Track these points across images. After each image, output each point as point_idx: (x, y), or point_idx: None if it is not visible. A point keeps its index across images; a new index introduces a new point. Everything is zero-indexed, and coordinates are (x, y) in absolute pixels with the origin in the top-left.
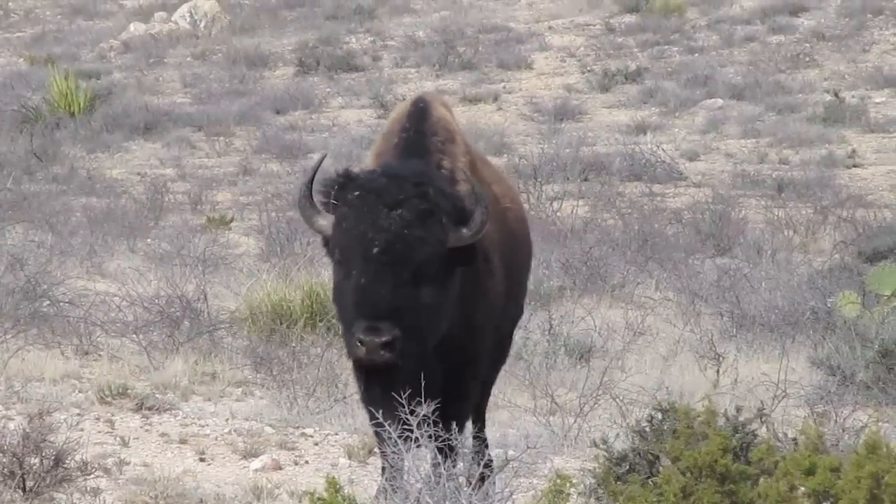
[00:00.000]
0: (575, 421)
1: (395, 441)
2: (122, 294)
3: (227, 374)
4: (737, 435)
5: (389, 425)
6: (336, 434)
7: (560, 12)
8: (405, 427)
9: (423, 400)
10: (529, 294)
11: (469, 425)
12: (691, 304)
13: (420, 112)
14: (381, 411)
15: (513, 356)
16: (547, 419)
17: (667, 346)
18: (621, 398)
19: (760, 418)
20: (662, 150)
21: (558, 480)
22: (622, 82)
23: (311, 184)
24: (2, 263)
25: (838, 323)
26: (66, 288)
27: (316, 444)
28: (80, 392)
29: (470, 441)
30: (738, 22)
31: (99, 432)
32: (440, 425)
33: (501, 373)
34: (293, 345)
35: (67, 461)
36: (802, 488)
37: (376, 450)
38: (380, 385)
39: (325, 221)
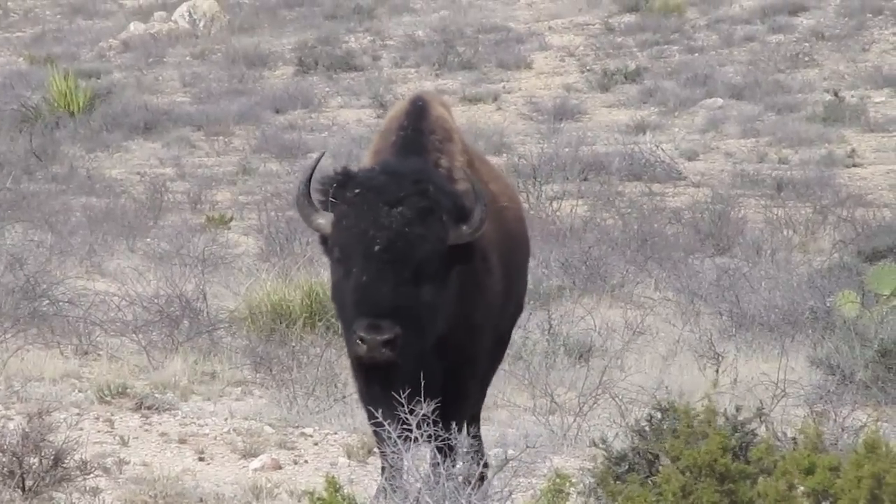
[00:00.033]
0: (574, 420)
1: (395, 441)
2: (122, 294)
3: (226, 374)
4: (736, 434)
5: (389, 425)
6: (335, 433)
7: (560, 12)
8: (405, 427)
9: (422, 399)
10: (529, 294)
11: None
12: (691, 303)
13: (418, 110)
14: (380, 411)
15: (513, 356)
16: (546, 419)
17: (666, 345)
18: (621, 398)
19: (760, 418)
20: (662, 149)
21: (558, 480)
22: (622, 82)
23: (310, 182)
24: (1, 263)
25: (838, 322)
26: (65, 287)
27: (315, 444)
28: (79, 392)
29: (466, 441)
30: (737, 21)
31: (98, 432)
32: (439, 425)
33: (501, 373)
34: (293, 344)
35: (67, 461)
36: (801, 488)
37: (376, 449)
38: (379, 384)
39: (324, 220)
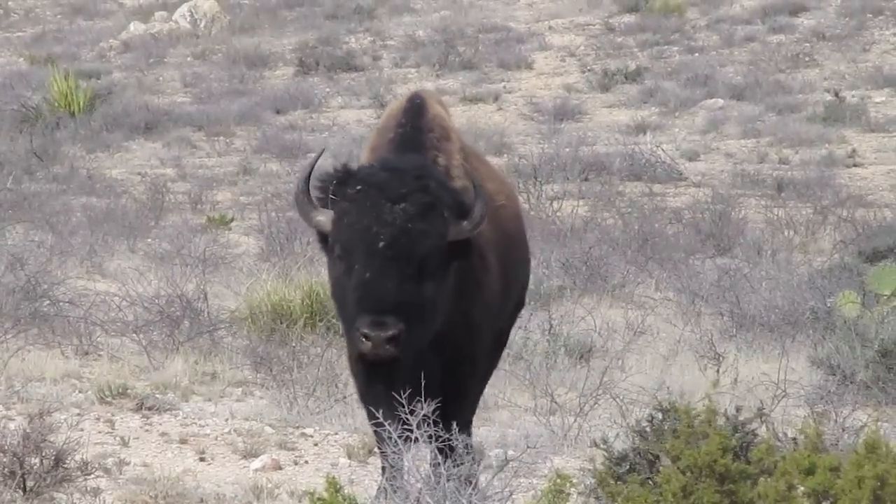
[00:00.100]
0: (575, 421)
1: (395, 441)
2: (122, 294)
3: (227, 374)
4: (737, 434)
5: (389, 425)
6: (336, 434)
7: (560, 12)
8: (405, 427)
9: (423, 400)
10: (530, 294)
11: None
12: (691, 303)
13: (416, 108)
14: (381, 411)
15: (513, 356)
16: (547, 419)
17: (667, 345)
18: (621, 398)
19: (760, 418)
20: (662, 149)
21: (558, 480)
22: (622, 82)
23: (309, 180)
24: (2, 263)
25: (838, 323)
26: (66, 288)
27: (316, 444)
28: (80, 392)
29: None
30: (738, 22)
31: (99, 432)
32: (440, 425)
33: (502, 373)
34: (293, 344)
35: (68, 461)
36: (802, 488)
37: (376, 450)
38: (381, 382)
39: (324, 217)
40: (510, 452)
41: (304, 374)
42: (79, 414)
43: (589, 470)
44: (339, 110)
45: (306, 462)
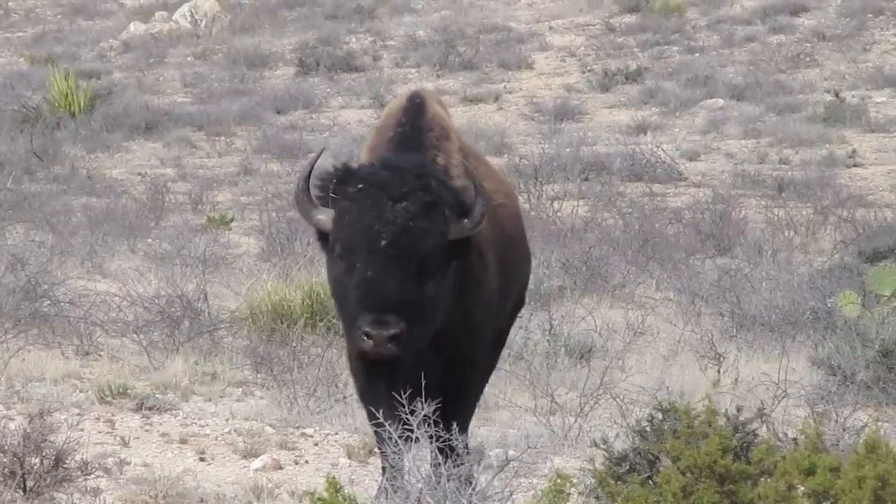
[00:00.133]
0: (575, 421)
1: (396, 441)
2: (123, 294)
3: (227, 374)
4: (737, 435)
5: (390, 425)
6: (336, 434)
7: (560, 12)
8: (405, 427)
9: (423, 400)
10: (530, 294)
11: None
12: (692, 304)
13: (416, 107)
14: (381, 411)
15: (513, 356)
16: (547, 419)
17: (667, 345)
18: (621, 398)
19: (761, 418)
20: (663, 150)
21: (558, 480)
22: (622, 82)
23: (309, 178)
24: (2, 263)
25: (839, 323)
26: (66, 288)
27: (316, 444)
28: (80, 392)
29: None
30: (738, 22)
31: (99, 432)
32: (440, 425)
33: (502, 373)
34: (293, 345)
35: (68, 461)
36: (802, 488)
37: (376, 450)
38: (381, 381)
39: (325, 216)
40: (510, 452)
41: (304, 374)
42: (79, 414)
43: (589, 470)
44: (340, 110)
45: (306, 462)
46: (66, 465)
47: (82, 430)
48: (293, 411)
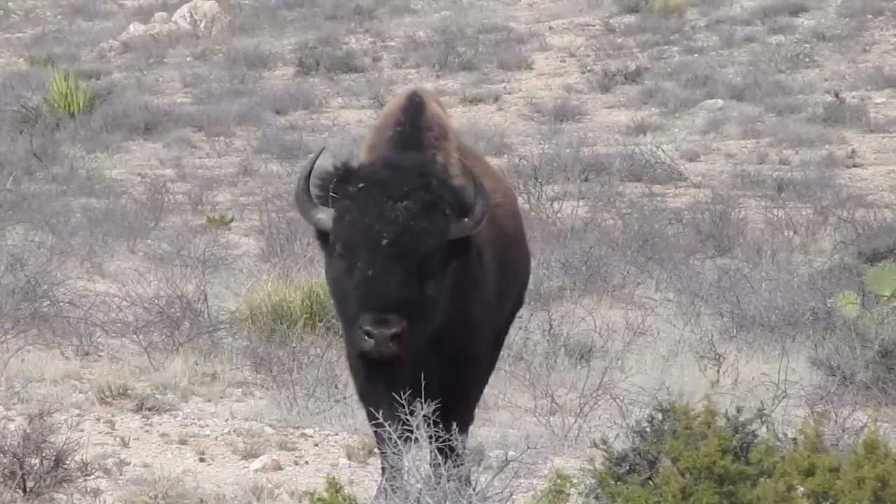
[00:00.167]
0: (575, 421)
1: (395, 441)
2: (122, 294)
3: (227, 375)
4: (737, 435)
5: (389, 425)
6: (336, 434)
7: (560, 12)
8: (405, 427)
9: (423, 400)
10: (529, 294)
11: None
12: (691, 304)
13: (415, 107)
14: (381, 411)
15: (513, 356)
16: (547, 419)
17: (667, 346)
18: (621, 398)
19: (760, 418)
20: (662, 150)
21: (558, 480)
22: (622, 82)
23: (309, 178)
24: (2, 264)
25: (838, 323)
26: (66, 288)
27: (316, 445)
28: (80, 392)
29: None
30: (738, 22)
31: (99, 433)
32: (440, 426)
33: (502, 373)
34: (293, 345)
35: (68, 462)
36: (801, 489)
37: (376, 450)
38: (381, 381)
39: (325, 215)
40: (510, 453)
41: (304, 374)
42: (79, 414)
43: (589, 470)
44: (340, 111)
45: (306, 462)
46: (66, 466)
47: (82, 430)
48: (293, 412)
